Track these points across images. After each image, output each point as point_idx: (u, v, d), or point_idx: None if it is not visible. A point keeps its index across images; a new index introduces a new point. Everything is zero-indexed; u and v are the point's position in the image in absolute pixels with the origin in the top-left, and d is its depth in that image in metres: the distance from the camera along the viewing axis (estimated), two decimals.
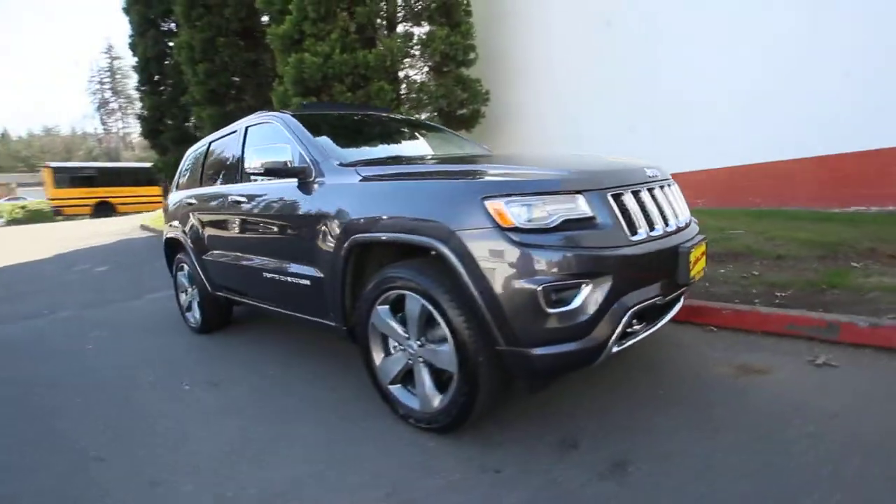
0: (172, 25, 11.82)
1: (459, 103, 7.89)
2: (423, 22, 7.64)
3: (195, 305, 3.80)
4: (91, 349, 3.71)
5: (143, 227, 15.14)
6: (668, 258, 1.81)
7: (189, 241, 3.56)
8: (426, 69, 7.89)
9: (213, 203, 3.22)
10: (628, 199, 1.78)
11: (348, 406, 2.27)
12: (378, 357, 2.11)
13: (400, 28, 7.80)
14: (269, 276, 2.67)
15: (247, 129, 3.09)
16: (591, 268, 1.61)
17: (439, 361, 1.82)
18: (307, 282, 2.39)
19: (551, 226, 1.61)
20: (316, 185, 2.31)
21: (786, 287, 3.14)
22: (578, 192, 1.68)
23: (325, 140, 2.54)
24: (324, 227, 2.21)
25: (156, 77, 11.39)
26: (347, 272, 2.12)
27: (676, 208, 2.04)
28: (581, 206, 1.66)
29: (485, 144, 3.73)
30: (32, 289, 6.53)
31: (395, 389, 2.05)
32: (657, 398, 2.04)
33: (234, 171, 3.11)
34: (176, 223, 3.85)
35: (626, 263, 1.67)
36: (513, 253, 1.58)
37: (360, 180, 2.08)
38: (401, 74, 7.74)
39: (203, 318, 3.67)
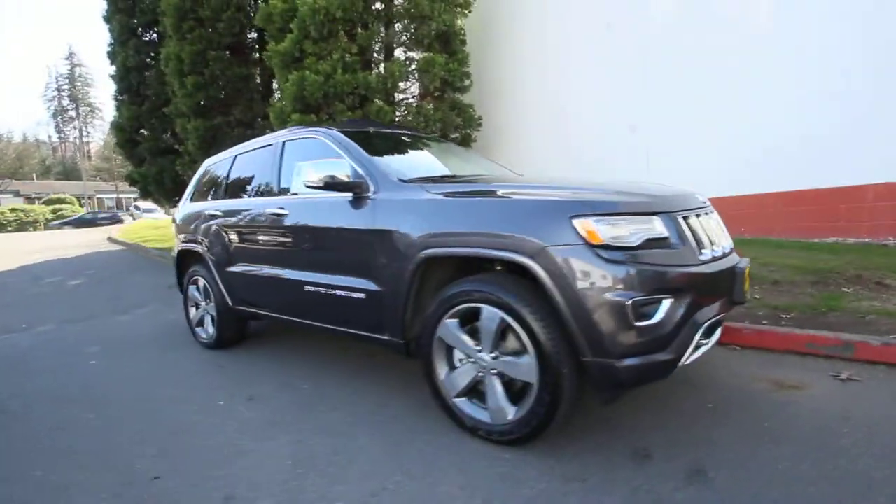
0: (155, 36, 11.62)
1: (454, 127, 8.10)
2: (414, 48, 7.86)
3: (208, 320, 3.69)
4: (94, 364, 3.52)
5: (111, 240, 14.46)
6: (728, 277, 1.95)
7: (210, 253, 3.48)
8: (417, 93, 8.08)
9: (244, 215, 3.18)
10: (693, 222, 1.93)
11: (403, 420, 2.26)
12: (442, 371, 2.13)
13: (399, 53, 8.00)
14: (312, 289, 2.65)
15: (284, 143, 3.10)
16: (671, 284, 1.73)
17: (517, 373, 1.87)
18: (361, 295, 2.39)
19: (635, 244, 1.72)
20: (374, 200, 2.35)
21: (788, 310, 3.37)
22: (655, 213, 1.80)
23: (377, 156, 2.59)
24: (387, 242, 2.24)
25: (136, 87, 11.06)
26: (413, 286, 2.16)
27: (723, 232, 2.21)
28: (657, 227, 1.78)
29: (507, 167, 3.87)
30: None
31: (461, 402, 2.08)
32: (708, 412, 2.15)
33: (269, 184, 3.10)
34: (191, 236, 3.75)
35: (698, 281, 1.80)
36: (603, 268, 1.67)
37: (431, 197, 2.14)
38: (398, 97, 7.89)
39: (219, 333, 3.56)
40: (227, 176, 3.59)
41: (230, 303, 3.43)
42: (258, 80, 10.02)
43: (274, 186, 3.05)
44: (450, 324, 2.05)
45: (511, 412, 1.91)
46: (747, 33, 5.58)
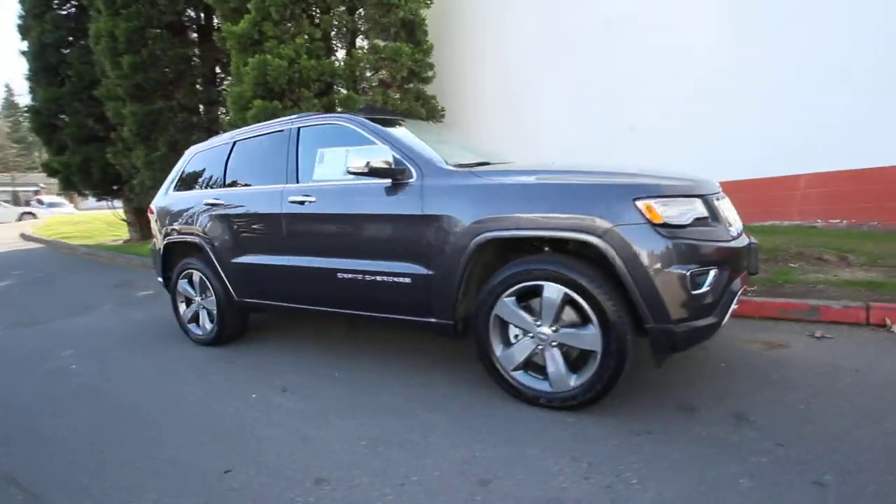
0: (74, 10, 10.39)
1: (418, 118, 8.13)
2: (379, 36, 7.77)
3: (204, 316, 3.52)
4: (77, 369, 3.25)
5: (26, 237, 12.91)
6: (747, 252, 2.25)
7: (211, 245, 3.31)
8: (379, 82, 8.01)
9: (255, 204, 3.07)
10: (717, 204, 2.19)
11: (456, 397, 2.36)
12: (498, 348, 2.25)
13: (363, 41, 7.86)
14: (347, 276, 2.65)
15: (299, 129, 3.02)
16: (715, 257, 1.98)
17: (581, 343, 2.04)
18: (407, 280, 2.44)
19: (686, 223, 1.95)
20: (421, 186, 2.40)
21: (750, 284, 3.86)
22: (697, 196, 2.04)
23: (416, 141, 2.63)
24: (439, 226, 2.31)
25: (55, 66, 9.84)
26: (468, 268, 2.25)
27: (735, 214, 2.52)
28: (699, 208, 2.02)
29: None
30: None
31: (519, 375, 2.21)
32: (724, 370, 2.47)
33: (283, 171, 3.01)
34: (184, 227, 3.54)
35: (733, 254, 2.07)
36: (665, 244, 1.88)
37: (487, 182, 2.24)
38: (361, 85, 7.77)
39: (219, 328, 3.41)
40: (226, 163, 3.42)
41: (234, 296, 3.30)
42: (198, 62, 9.32)
43: (289, 173, 2.97)
44: (508, 301, 2.18)
45: (572, 379, 2.08)
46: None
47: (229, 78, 10.33)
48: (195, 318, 3.62)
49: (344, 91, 7.08)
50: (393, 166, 2.44)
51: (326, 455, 1.92)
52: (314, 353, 3.20)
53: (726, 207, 2.33)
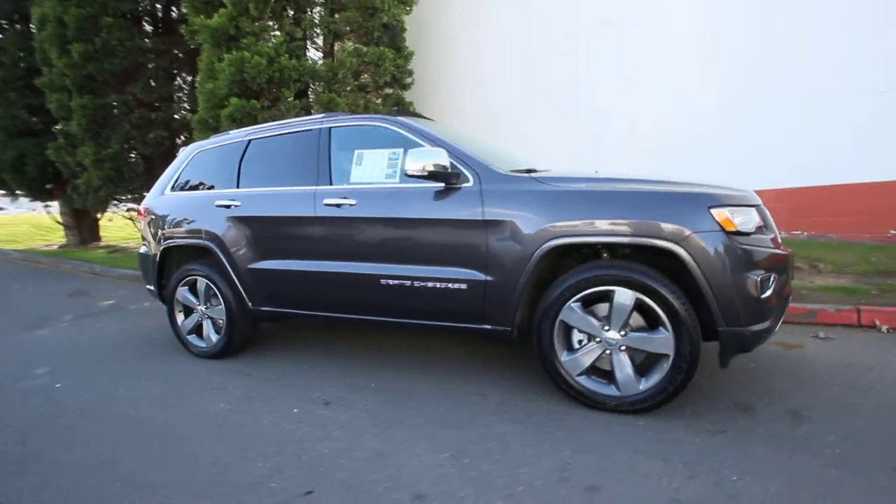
0: None
1: None
2: (361, 40, 7.65)
3: (208, 326, 3.26)
4: (61, 387, 2.90)
5: None
6: (790, 259, 2.41)
7: (223, 249, 3.07)
8: (358, 86, 7.87)
9: (281, 206, 2.90)
10: (767, 214, 2.34)
11: (516, 406, 2.33)
12: (562, 353, 2.26)
13: (343, 44, 7.69)
14: (392, 283, 2.55)
15: (330, 129, 2.90)
16: (776, 263, 2.11)
17: (652, 347, 2.09)
18: (462, 286, 2.40)
19: (751, 231, 2.06)
20: (478, 190, 2.37)
21: None
22: (753, 206, 2.17)
23: (467, 146, 2.59)
24: (502, 232, 2.29)
25: None
26: (533, 274, 2.24)
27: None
28: (756, 217, 2.15)
29: None
30: None
31: (584, 380, 2.23)
32: (758, 370, 2.62)
33: (312, 172, 2.86)
34: (188, 230, 3.26)
35: (787, 260, 2.21)
36: (737, 251, 1.98)
37: (554, 189, 2.25)
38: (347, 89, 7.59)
39: (228, 338, 3.17)
40: (240, 162, 3.20)
41: (249, 304, 3.08)
42: (168, 55, 8.68)
43: (321, 175, 2.83)
44: (576, 307, 2.19)
45: (641, 383, 2.12)
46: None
47: (186, 73, 9.75)
48: (197, 329, 3.34)
49: (322, 93, 6.86)
50: (449, 170, 2.39)
51: (412, 469, 1.83)
52: (335, 363, 3.04)
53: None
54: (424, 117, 3.63)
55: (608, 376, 2.21)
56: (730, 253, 1.98)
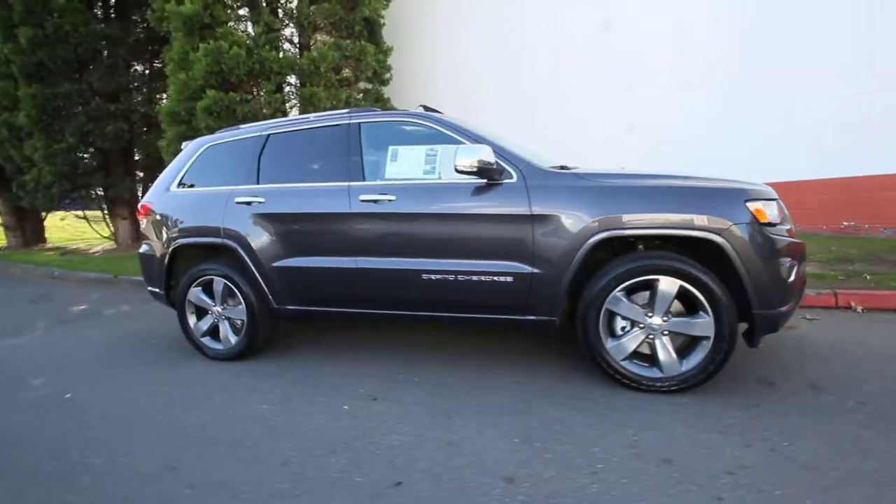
0: None
1: None
2: (341, 33, 7.51)
3: (226, 327, 3.15)
4: (72, 397, 2.74)
5: None
6: None
7: (245, 247, 2.98)
8: (337, 81, 7.75)
9: (313, 202, 2.85)
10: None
11: (564, 390, 2.43)
12: (607, 340, 2.39)
13: (323, 38, 7.52)
14: (436, 277, 2.59)
15: (360, 125, 2.88)
16: (797, 251, 2.34)
17: (693, 330, 2.26)
18: (509, 278, 2.47)
19: (777, 222, 2.27)
20: (523, 186, 2.45)
21: None
22: (774, 199, 2.39)
23: (506, 142, 2.67)
24: (550, 226, 2.39)
25: None
26: (580, 266, 2.36)
27: None
28: (778, 209, 2.37)
29: None
30: None
31: (628, 364, 2.37)
32: (765, 350, 2.86)
33: (345, 168, 2.84)
34: (203, 228, 3.13)
35: (804, 248, 2.45)
36: (771, 240, 2.19)
37: (598, 184, 2.37)
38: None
39: (249, 339, 3.08)
40: (259, 157, 3.11)
41: (273, 303, 3.01)
42: (128, 43, 8.09)
43: (354, 170, 2.81)
44: (621, 296, 2.33)
45: (683, 364, 2.29)
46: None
47: (144, 62, 9.17)
48: (212, 331, 3.21)
49: (302, 86, 6.69)
50: (493, 166, 2.46)
51: (490, 456, 1.89)
52: (366, 360, 3.03)
53: None
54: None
55: (649, 360, 2.37)
56: (763, 242, 2.18)
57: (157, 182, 3.50)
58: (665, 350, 2.31)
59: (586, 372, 2.61)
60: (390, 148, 2.80)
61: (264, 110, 6.36)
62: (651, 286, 2.30)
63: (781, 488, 1.60)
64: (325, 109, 6.84)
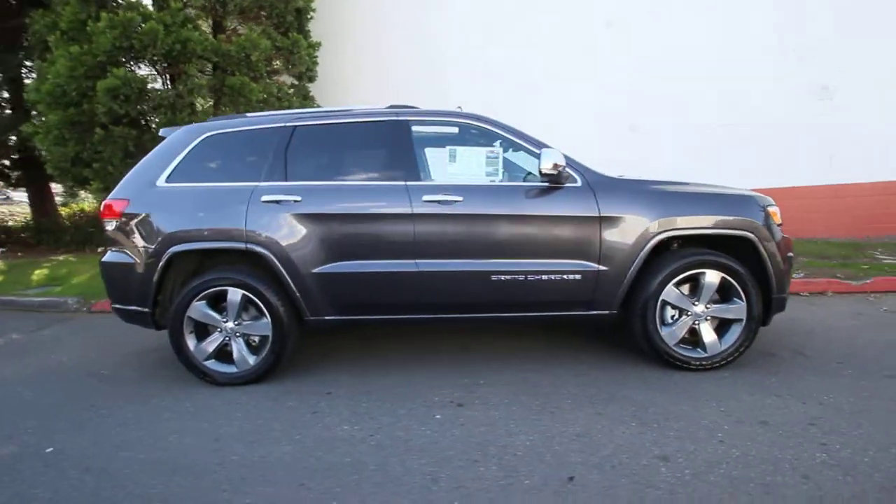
0: None
1: None
2: (264, 20, 6.89)
3: (241, 346, 2.74)
4: (56, 451, 2.16)
5: None
6: None
7: (277, 252, 2.62)
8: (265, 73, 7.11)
9: (367, 201, 2.65)
10: None
11: (632, 376, 2.66)
12: (661, 328, 2.68)
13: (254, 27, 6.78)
14: (505, 278, 2.63)
15: (409, 123, 2.76)
16: (791, 246, 2.91)
17: (730, 314, 2.67)
18: (577, 276, 2.63)
19: (781, 223, 2.82)
20: (588, 189, 2.64)
21: None
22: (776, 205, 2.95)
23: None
24: (617, 226, 2.61)
25: None
26: (643, 262, 2.62)
27: None
28: (779, 213, 2.92)
29: None
30: None
31: (679, 349, 2.70)
32: (774, 329, 3.28)
33: (399, 167, 2.71)
34: (211, 231, 2.66)
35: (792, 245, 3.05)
36: (780, 237, 2.71)
37: (659, 189, 2.67)
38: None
39: (276, 357, 2.72)
40: (284, 152, 2.75)
41: (307, 313, 2.70)
42: None
43: (410, 170, 2.69)
44: (673, 287, 2.65)
45: (722, 345, 2.70)
46: None
47: None
48: (221, 353, 2.74)
49: (243, 78, 6.00)
50: (565, 170, 2.60)
51: (625, 441, 2.01)
52: (415, 369, 2.90)
53: None
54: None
55: (692, 342, 2.73)
56: (777, 239, 2.70)
57: (132, 175, 2.85)
58: (709, 333, 2.69)
59: (632, 358, 2.90)
60: (448, 148, 2.76)
61: (193, 98, 5.52)
62: (696, 279, 2.67)
63: (855, 429, 2.03)
64: (257, 103, 6.20)
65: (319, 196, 2.68)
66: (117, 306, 2.85)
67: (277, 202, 2.66)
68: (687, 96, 6.83)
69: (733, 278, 2.64)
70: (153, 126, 5.76)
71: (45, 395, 2.75)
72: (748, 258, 2.69)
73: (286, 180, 2.73)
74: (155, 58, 5.32)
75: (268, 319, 2.68)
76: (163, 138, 2.97)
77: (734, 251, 2.71)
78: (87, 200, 10.47)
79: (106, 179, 5.53)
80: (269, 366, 2.73)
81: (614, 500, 1.65)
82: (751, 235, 2.64)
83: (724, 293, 2.71)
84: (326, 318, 2.73)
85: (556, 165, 2.52)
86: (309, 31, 7.39)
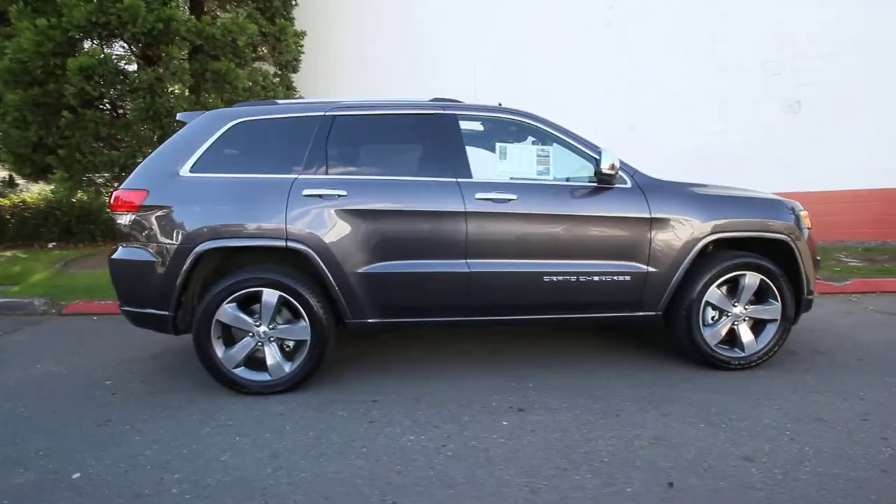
0: None
1: None
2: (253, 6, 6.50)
3: (275, 351, 2.53)
4: (84, 476, 1.90)
5: None
6: None
7: (323, 250, 2.44)
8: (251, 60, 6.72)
9: (417, 198, 2.52)
10: None
11: (679, 377, 2.68)
12: (703, 329, 2.73)
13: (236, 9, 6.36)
14: (557, 279, 2.59)
15: (457, 117, 2.66)
16: (816, 249, 3.05)
17: (766, 315, 2.76)
18: (627, 277, 2.63)
19: (810, 227, 2.95)
20: (638, 191, 2.65)
21: None
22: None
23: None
24: (665, 227, 2.63)
25: None
26: (690, 265, 2.65)
27: None
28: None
29: None
30: None
31: (719, 349, 2.76)
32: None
33: (446, 162, 2.60)
34: (246, 226, 2.44)
35: None
36: (811, 240, 2.83)
37: (705, 192, 2.73)
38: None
39: (313, 364, 2.54)
40: (325, 142, 2.57)
41: (350, 316, 2.54)
42: None
43: (459, 166, 2.58)
44: (715, 289, 2.71)
45: (758, 345, 2.78)
46: None
47: None
48: (252, 360, 2.52)
49: (228, 63, 5.61)
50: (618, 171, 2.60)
51: (704, 442, 2.01)
52: (446, 372, 2.81)
53: None
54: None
55: (729, 342, 2.80)
56: (808, 242, 2.82)
57: (149, 164, 2.56)
58: (747, 333, 2.77)
59: (665, 359, 2.96)
60: (498, 145, 2.68)
61: (169, 85, 5.10)
62: (736, 280, 2.74)
63: None
64: (243, 91, 5.84)
65: (366, 191, 2.52)
66: (130, 309, 2.56)
67: (320, 196, 2.48)
68: (667, 99, 7.13)
69: (770, 280, 2.74)
70: (128, 112, 5.27)
71: (44, 411, 2.42)
72: (779, 260, 2.80)
73: (327, 173, 2.55)
74: (134, 36, 4.86)
75: (306, 323, 2.49)
76: (182, 123, 2.69)
77: (766, 253, 2.81)
78: (29, 191, 9.48)
79: (72, 168, 4.99)
80: (307, 373, 2.54)
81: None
82: (787, 238, 2.74)
83: (760, 294, 2.80)
84: (370, 321, 2.58)
85: (613, 166, 2.50)
86: (294, 18, 7.05)
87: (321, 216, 2.47)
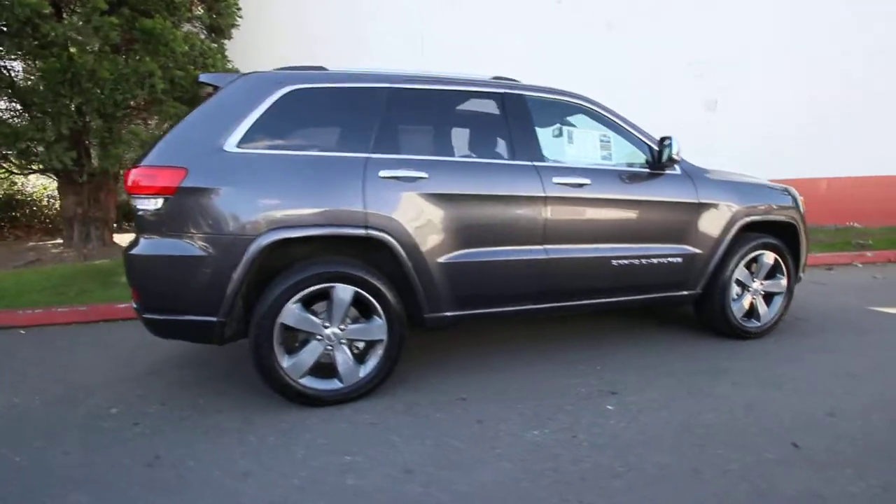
0: None
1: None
2: None
3: (346, 355, 2.24)
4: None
5: None
6: None
7: (405, 239, 2.19)
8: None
9: (496, 181, 2.38)
10: None
11: (709, 366, 2.85)
12: (733, 304, 3.00)
13: None
14: (624, 262, 2.66)
15: (525, 97, 2.55)
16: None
17: (776, 288, 3.12)
18: (678, 259, 2.79)
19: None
20: (687, 177, 2.82)
21: None
22: None
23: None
24: (712, 211, 2.83)
25: None
26: (727, 246, 2.89)
27: None
28: None
29: None
30: None
31: (743, 321, 3.06)
32: None
33: (519, 144, 2.50)
34: (325, 214, 2.08)
35: None
36: (805, 222, 3.27)
37: (738, 180, 2.99)
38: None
39: (390, 366, 2.30)
40: (395, 118, 2.28)
41: (427, 310, 2.33)
42: None
43: (532, 149, 2.49)
44: (743, 267, 2.99)
45: (769, 315, 3.13)
46: None
47: None
48: (322, 366, 2.18)
49: (164, 22, 4.71)
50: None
51: (790, 407, 2.20)
52: (508, 362, 2.74)
53: None
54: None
55: (748, 315, 3.12)
56: (805, 223, 3.25)
57: (181, 135, 2.05)
58: (762, 305, 3.11)
59: (682, 330, 3.24)
60: (564, 129, 2.64)
61: (96, 39, 4.15)
62: (757, 259, 3.05)
63: None
64: (182, 56, 4.98)
65: (447, 173, 2.31)
66: (160, 317, 2.05)
67: (398, 178, 2.21)
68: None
69: (781, 258, 3.10)
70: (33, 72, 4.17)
71: (55, 454, 1.84)
72: (784, 240, 3.18)
73: (399, 153, 2.29)
74: None
75: (382, 320, 2.23)
76: (209, 87, 2.20)
77: (774, 235, 3.17)
78: None
79: None
80: (384, 376, 2.28)
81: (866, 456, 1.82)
82: (792, 220, 3.13)
83: (771, 271, 3.15)
84: (446, 314, 2.39)
85: (678, 154, 2.62)
86: None
87: (401, 200, 2.21)
